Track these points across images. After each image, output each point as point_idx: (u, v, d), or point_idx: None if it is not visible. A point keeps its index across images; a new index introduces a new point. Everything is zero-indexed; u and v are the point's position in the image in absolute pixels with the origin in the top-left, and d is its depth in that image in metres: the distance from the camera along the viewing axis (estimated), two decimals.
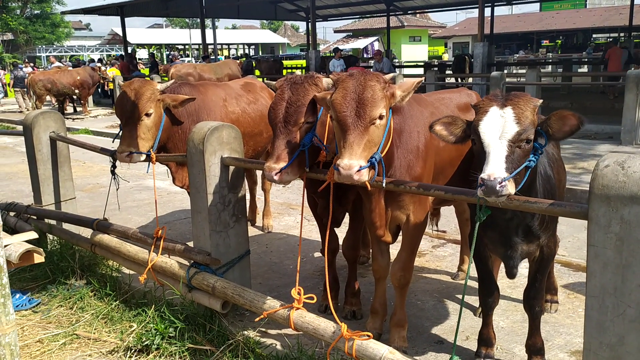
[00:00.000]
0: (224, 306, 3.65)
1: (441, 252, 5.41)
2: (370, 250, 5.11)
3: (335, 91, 2.83)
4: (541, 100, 2.65)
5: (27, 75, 21.00)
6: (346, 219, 4.07)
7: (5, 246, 3.06)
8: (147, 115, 4.18)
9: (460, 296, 4.35)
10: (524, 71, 26.90)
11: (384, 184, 2.86)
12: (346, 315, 3.99)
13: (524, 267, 3.70)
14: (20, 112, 20.49)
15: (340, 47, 42.84)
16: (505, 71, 21.79)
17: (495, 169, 2.40)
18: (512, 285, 4.41)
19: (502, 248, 3.09)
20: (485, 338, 3.42)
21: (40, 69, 26.71)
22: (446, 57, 41.16)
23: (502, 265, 3.35)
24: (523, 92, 2.73)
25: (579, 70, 24.55)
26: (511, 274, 3.19)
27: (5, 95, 25.10)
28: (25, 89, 21.11)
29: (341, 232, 4.17)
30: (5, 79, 25.03)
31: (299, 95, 3.04)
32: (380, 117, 2.78)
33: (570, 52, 36.81)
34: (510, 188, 2.39)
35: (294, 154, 2.97)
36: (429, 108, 3.60)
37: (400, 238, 3.57)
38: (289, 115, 3.02)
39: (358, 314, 4.00)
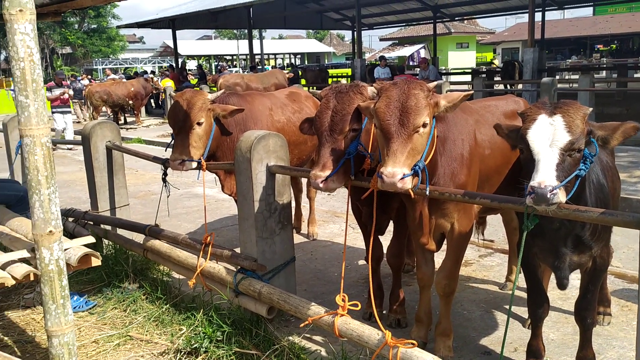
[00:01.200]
0: (270, 311, 3.72)
1: (488, 262, 5.33)
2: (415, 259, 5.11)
3: (379, 100, 2.87)
4: (591, 109, 2.61)
5: (84, 87, 21.93)
6: (390, 227, 4.08)
7: (65, 249, 3.23)
8: (199, 124, 4.32)
9: (508, 306, 4.29)
10: (576, 77, 26.23)
11: (427, 192, 2.87)
12: (391, 323, 3.99)
13: (575, 278, 3.61)
14: (78, 122, 21.37)
15: (386, 55, 42.76)
16: (557, 77, 21.21)
17: (546, 176, 2.37)
18: (563, 297, 4.31)
19: (552, 258, 3.03)
20: (534, 350, 3.35)
21: (97, 81, 27.79)
22: (497, 62, 40.40)
23: (553, 275, 3.29)
24: (572, 100, 2.69)
25: (635, 75, 23.66)
26: (562, 284, 3.11)
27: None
28: (82, 101, 22.05)
29: (386, 239, 4.18)
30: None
31: (344, 104, 3.09)
32: (424, 125, 2.79)
33: (625, 57, 35.53)
34: (562, 196, 2.36)
35: (339, 162, 3.02)
36: (473, 116, 3.59)
37: (445, 246, 3.57)
38: (334, 123, 3.07)
39: (403, 322, 4.00)
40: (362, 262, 5.39)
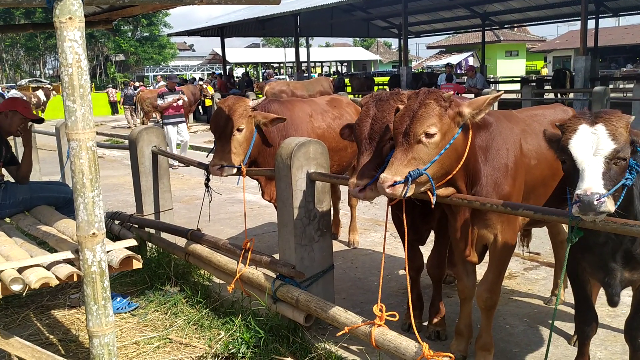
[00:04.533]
0: (307, 319, 3.70)
1: (533, 275, 5.16)
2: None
3: (401, 109, 2.88)
4: (634, 117, 2.51)
5: (135, 93, 22.62)
6: (432, 237, 4.00)
7: (108, 252, 3.31)
8: (239, 130, 4.36)
9: (555, 322, 4.13)
10: (631, 86, 25.25)
11: (433, 201, 2.83)
12: (430, 335, 3.90)
13: (626, 295, 3.44)
14: (129, 127, 22.04)
15: (433, 63, 42.25)
16: (611, 86, 20.49)
17: (593, 183, 2.27)
18: (612, 314, 4.12)
19: (601, 274, 2.90)
20: None
21: (149, 88, 28.67)
22: (545, 71, 39.35)
23: (602, 291, 3.14)
24: (614, 110, 2.59)
25: None
26: (612, 301, 2.96)
27: (116, 112, 27.13)
28: (133, 106, 22.75)
29: (427, 249, 4.10)
30: (116, 97, 27.06)
31: (384, 111, 3.06)
32: (428, 135, 2.73)
33: None
34: (610, 205, 2.25)
35: (378, 171, 2.98)
36: (520, 125, 3.48)
37: (487, 258, 3.46)
38: (374, 131, 3.04)
39: (442, 334, 3.91)
40: (402, 271, 5.31)
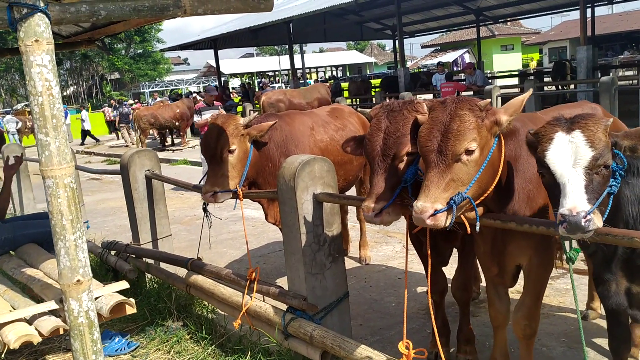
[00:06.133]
0: (324, 356, 3.33)
1: (562, 285, 4.79)
2: (481, 285, 4.63)
3: (424, 122, 2.49)
4: (612, 119, 2.28)
5: (131, 111, 22.31)
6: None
7: (96, 298, 2.96)
8: (230, 152, 4.02)
9: (594, 339, 3.77)
10: (629, 73, 24.83)
11: (477, 227, 2.46)
12: None
13: None
14: (126, 146, 21.73)
15: (428, 62, 41.93)
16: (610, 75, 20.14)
17: (576, 201, 2.05)
18: None
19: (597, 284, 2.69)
20: None
21: (144, 104, 28.32)
22: (533, 64, 38.85)
23: None
24: (589, 113, 2.38)
25: None
26: (615, 313, 2.72)
27: (114, 131, 26.84)
28: (129, 124, 22.44)
29: (450, 267, 3.74)
30: (112, 115, 26.77)
31: (397, 124, 2.69)
32: (469, 152, 2.36)
33: None
34: (597, 221, 2.04)
35: (394, 192, 2.62)
36: None
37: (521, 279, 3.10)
38: (388, 147, 2.67)
39: None
40: (421, 288, 4.94)
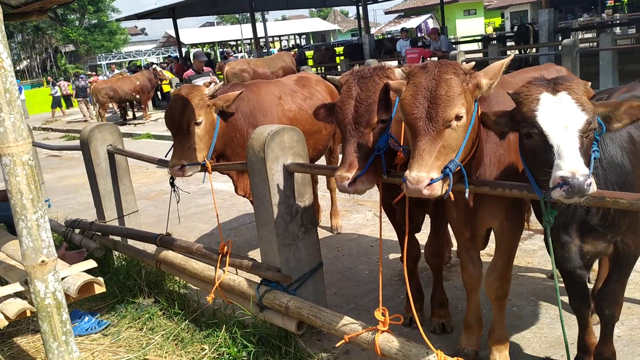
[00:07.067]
0: (300, 326, 3.33)
1: (530, 246, 4.89)
2: (452, 249, 4.68)
3: (406, 88, 2.42)
4: (589, 83, 2.29)
5: (88, 84, 21.56)
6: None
7: (63, 279, 2.86)
8: (197, 123, 3.90)
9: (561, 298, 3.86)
10: (589, 36, 25.20)
11: (467, 194, 2.43)
12: (434, 329, 3.58)
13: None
14: (85, 121, 21.09)
15: (392, 28, 41.68)
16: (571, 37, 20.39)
17: (577, 164, 2.03)
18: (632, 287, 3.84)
19: (555, 247, 2.67)
20: (584, 345, 2.98)
21: (102, 77, 27.42)
22: (490, 30, 39.02)
23: None
24: (569, 75, 2.41)
25: None
26: (574, 275, 2.76)
27: (71, 105, 26.04)
28: (87, 98, 21.73)
29: (422, 234, 3.76)
30: (69, 89, 25.88)
31: (369, 91, 2.63)
32: (458, 118, 2.32)
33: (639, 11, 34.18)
34: (594, 185, 2.04)
35: (368, 160, 2.58)
36: None
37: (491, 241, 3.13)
38: (360, 115, 2.62)
39: (448, 326, 3.59)
40: (394, 255, 4.97)
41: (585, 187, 1.98)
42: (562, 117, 2.12)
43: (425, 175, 2.23)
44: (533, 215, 5.41)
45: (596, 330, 2.97)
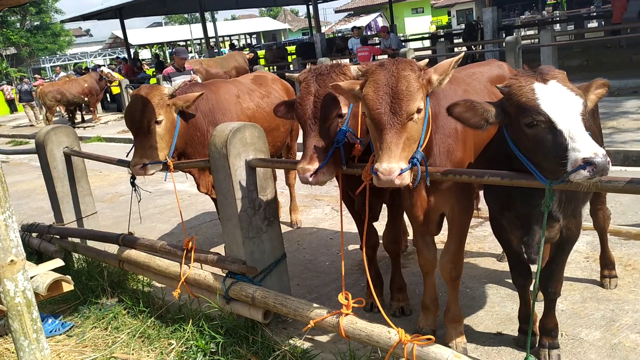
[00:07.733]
0: (266, 316, 3.45)
1: (481, 232, 5.17)
2: (408, 238, 4.90)
3: (366, 85, 2.58)
4: (564, 73, 2.47)
5: (32, 88, 20.90)
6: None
7: (31, 278, 2.90)
8: (157, 122, 3.97)
9: (509, 280, 4.12)
10: (531, 32, 26.20)
11: (428, 182, 2.63)
12: (394, 312, 3.78)
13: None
14: (32, 125, 20.48)
15: (342, 27, 42.05)
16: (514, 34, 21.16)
17: (594, 145, 2.11)
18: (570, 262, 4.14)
19: (519, 233, 2.92)
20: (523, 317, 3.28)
21: (47, 80, 26.63)
22: (433, 28, 39.99)
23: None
24: (548, 66, 2.52)
25: (589, 25, 23.82)
26: (530, 260, 2.96)
27: (15, 110, 25.21)
28: (33, 102, 21.08)
29: (380, 223, 3.95)
30: (12, 93, 25.04)
31: (327, 87, 2.78)
32: (419, 111, 2.50)
33: (577, 8, 35.73)
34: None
35: (327, 153, 2.73)
36: (461, 85, 3.34)
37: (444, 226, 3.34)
38: (318, 110, 2.77)
39: (407, 309, 3.79)
40: (353, 246, 5.15)
41: (609, 165, 2.05)
42: (562, 103, 2.24)
43: (396, 166, 2.39)
44: (483, 203, 5.72)
45: (541, 305, 3.22)
